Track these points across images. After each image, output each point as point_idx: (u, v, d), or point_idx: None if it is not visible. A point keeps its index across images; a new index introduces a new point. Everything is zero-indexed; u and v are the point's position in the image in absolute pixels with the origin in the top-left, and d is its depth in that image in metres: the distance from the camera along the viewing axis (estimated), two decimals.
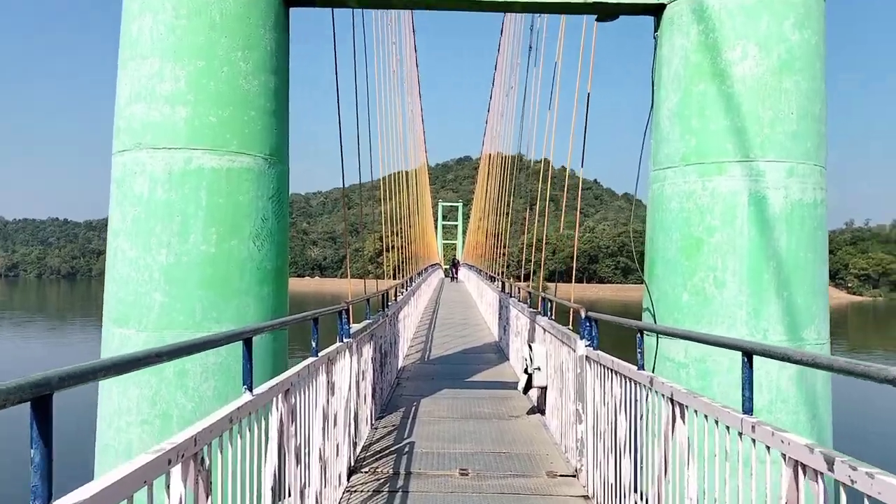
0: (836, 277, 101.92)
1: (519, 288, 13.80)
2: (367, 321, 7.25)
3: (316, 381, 4.16)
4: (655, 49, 6.06)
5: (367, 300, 7.41)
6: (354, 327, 6.56)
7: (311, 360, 4.07)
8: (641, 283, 6.22)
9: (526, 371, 7.54)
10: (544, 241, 15.94)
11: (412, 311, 16.24)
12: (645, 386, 3.76)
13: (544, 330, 7.73)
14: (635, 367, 4.00)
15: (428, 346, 14.12)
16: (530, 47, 16.51)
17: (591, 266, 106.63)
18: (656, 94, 6.01)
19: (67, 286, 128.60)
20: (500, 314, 15.05)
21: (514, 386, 9.69)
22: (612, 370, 4.47)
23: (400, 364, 11.36)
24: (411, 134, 34.93)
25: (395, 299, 11.39)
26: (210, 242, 5.42)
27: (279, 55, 5.90)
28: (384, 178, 22.24)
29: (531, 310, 9.41)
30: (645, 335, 6.04)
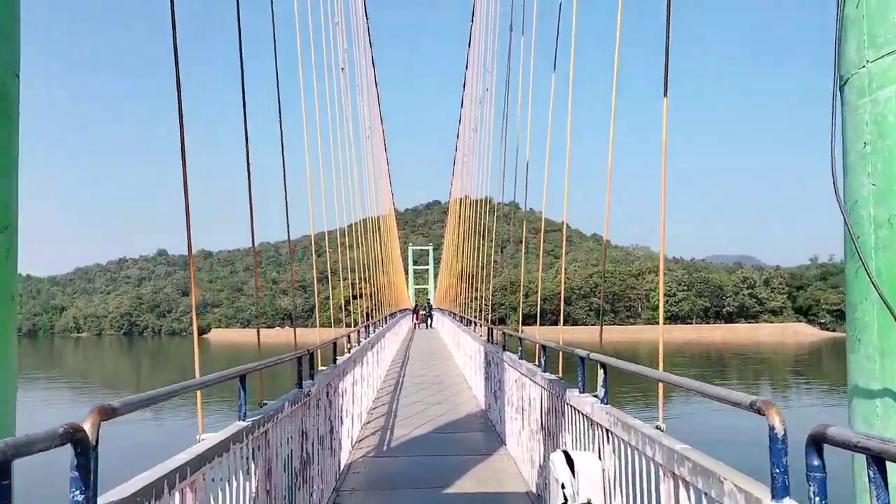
0: (808, 314, 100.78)
1: (503, 333, 10.25)
2: (244, 422, 3.53)
3: None
4: None
5: (242, 377, 3.63)
6: (205, 441, 2.86)
7: None
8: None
9: None
10: (521, 283, 12.37)
11: (371, 372, 12.41)
12: None
13: (598, 427, 4.07)
14: None
15: (390, 421, 10.26)
16: (511, 28, 12.72)
17: (564, 307, 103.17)
18: None
19: (29, 343, 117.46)
20: (486, 372, 11.31)
21: (521, 500, 6.02)
22: None
23: (344, 461, 7.51)
24: (374, 175, 31.34)
25: (335, 361, 7.63)
26: None
27: None
28: (350, 226, 19.27)
29: (549, 377, 5.74)
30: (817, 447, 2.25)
